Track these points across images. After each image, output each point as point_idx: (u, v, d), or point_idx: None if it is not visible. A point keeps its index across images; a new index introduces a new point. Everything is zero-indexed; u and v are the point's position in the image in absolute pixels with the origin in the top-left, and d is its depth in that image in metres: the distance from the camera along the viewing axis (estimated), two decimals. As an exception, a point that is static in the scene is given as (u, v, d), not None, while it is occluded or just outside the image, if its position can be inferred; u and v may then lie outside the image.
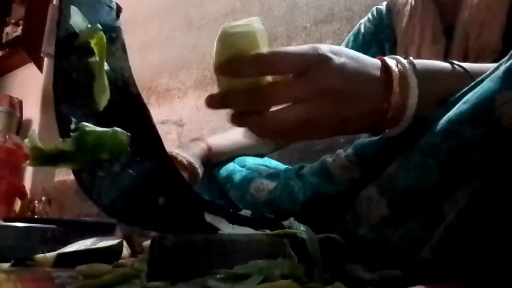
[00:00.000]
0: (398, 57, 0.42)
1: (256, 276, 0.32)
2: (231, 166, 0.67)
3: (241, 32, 0.38)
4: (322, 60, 0.38)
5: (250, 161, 0.70)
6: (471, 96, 0.36)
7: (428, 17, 0.70)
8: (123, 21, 0.41)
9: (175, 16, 1.88)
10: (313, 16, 1.33)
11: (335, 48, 0.40)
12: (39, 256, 0.50)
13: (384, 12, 0.80)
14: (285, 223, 0.42)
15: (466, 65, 0.44)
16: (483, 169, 0.34)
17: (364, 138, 0.48)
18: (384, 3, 0.82)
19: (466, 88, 0.39)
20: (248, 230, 0.42)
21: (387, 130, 0.43)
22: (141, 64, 1.83)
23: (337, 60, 0.39)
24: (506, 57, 0.37)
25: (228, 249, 0.36)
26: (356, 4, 1.18)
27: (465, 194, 0.35)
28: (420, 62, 0.42)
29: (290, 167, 0.58)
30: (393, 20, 0.78)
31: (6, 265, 0.46)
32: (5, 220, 0.62)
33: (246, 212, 0.46)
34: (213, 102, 0.40)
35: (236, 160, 0.70)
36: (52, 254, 0.50)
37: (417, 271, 0.36)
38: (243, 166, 0.67)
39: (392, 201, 0.40)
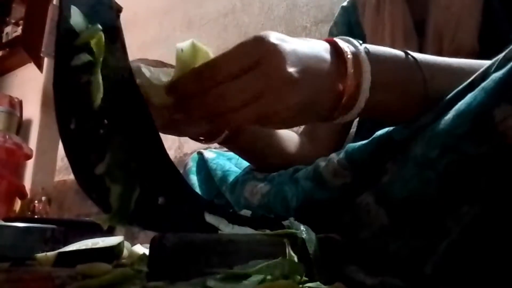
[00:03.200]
0: (350, 38, 0.41)
1: (256, 276, 0.32)
2: (226, 165, 0.66)
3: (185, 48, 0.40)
4: (270, 50, 0.36)
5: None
6: (465, 108, 0.35)
7: (398, 12, 0.65)
8: (123, 21, 0.41)
9: (175, 16, 1.88)
10: (313, 16, 1.33)
11: (280, 35, 0.38)
12: (39, 255, 0.50)
13: (350, 9, 0.77)
14: (285, 223, 0.42)
15: (421, 56, 0.43)
16: (490, 186, 0.33)
17: (355, 142, 0.46)
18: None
19: (455, 93, 0.38)
20: (248, 230, 0.42)
21: (339, 118, 0.42)
22: (141, 64, 1.82)
23: (287, 46, 0.37)
24: (492, 64, 0.36)
25: (228, 249, 0.36)
26: (356, 4, 1.18)
27: (471, 211, 0.34)
28: (372, 46, 0.41)
29: (284, 170, 0.56)
30: (360, 17, 0.73)
31: (6, 265, 0.46)
32: (5, 220, 0.62)
33: (246, 212, 0.46)
34: None
35: (233, 159, 0.69)
36: (53, 253, 0.50)
37: (417, 281, 0.36)
38: (239, 166, 0.66)
39: (390, 211, 0.39)
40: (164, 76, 0.41)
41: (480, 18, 0.57)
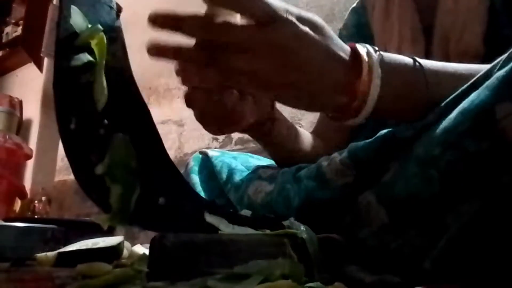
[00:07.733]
0: (367, 45, 0.42)
1: (256, 276, 0.32)
2: (233, 163, 0.66)
3: None
4: (284, 20, 0.39)
5: (255, 161, 0.68)
6: (468, 106, 0.35)
7: (406, 14, 0.66)
8: (123, 21, 0.41)
9: (175, 16, 1.88)
10: (313, 16, 1.33)
11: (306, 15, 0.41)
12: (40, 255, 0.50)
13: (360, 10, 0.78)
14: (285, 223, 0.42)
15: (426, 62, 0.44)
16: (489, 183, 0.33)
17: (359, 141, 0.47)
18: (357, 1, 0.80)
19: (459, 93, 0.38)
20: (248, 230, 0.42)
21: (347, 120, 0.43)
22: (141, 64, 1.82)
23: (300, 26, 0.39)
24: (497, 63, 0.37)
25: (228, 249, 0.36)
26: (356, 4, 1.18)
27: (471, 208, 0.34)
28: (386, 54, 0.43)
29: (287, 169, 0.56)
30: (369, 17, 0.75)
31: (6, 265, 0.46)
32: (5, 220, 0.62)
33: (246, 212, 0.46)
34: (161, 21, 0.42)
35: (239, 158, 0.69)
36: (53, 253, 0.50)
37: (417, 278, 0.36)
38: (245, 165, 0.66)
39: (391, 210, 0.40)
40: None
41: (486, 21, 0.58)
